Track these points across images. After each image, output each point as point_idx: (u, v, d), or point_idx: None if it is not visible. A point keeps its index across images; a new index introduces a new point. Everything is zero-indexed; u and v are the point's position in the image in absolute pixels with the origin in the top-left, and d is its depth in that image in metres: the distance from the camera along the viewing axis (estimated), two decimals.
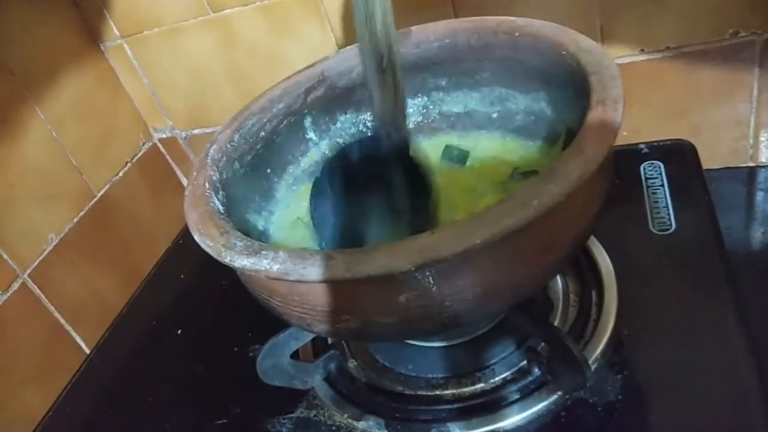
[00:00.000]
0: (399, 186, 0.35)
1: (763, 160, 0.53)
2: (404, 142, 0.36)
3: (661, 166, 0.50)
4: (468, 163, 0.43)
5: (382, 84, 0.34)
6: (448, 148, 0.44)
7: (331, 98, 0.46)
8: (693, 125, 0.52)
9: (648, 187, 0.48)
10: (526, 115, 0.42)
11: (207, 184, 0.35)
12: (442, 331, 0.39)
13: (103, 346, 0.57)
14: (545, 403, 0.36)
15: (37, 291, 0.54)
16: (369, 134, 0.39)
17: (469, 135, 0.45)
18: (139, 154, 0.68)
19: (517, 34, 0.39)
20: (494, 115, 0.44)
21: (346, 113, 0.47)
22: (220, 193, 0.36)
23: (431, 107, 0.47)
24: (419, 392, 0.39)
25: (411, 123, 0.47)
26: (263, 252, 0.29)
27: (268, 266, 0.28)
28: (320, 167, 0.39)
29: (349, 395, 0.41)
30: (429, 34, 0.43)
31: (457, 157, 0.43)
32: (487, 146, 0.44)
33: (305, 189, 0.44)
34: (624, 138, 0.53)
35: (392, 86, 0.35)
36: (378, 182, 0.35)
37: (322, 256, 0.27)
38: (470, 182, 0.41)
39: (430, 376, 0.40)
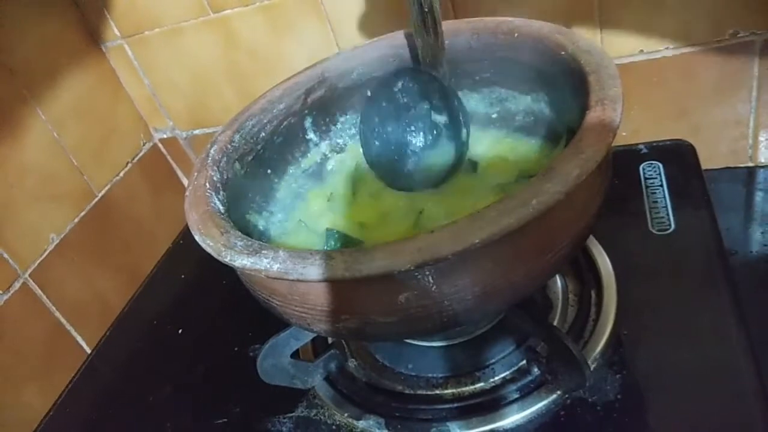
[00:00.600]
0: (437, 111, 0.38)
1: (763, 160, 0.53)
2: (443, 78, 0.40)
3: (661, 166, 0.50)
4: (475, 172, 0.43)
5: (424, 25, 0.38)
6: None
7: (331, 99, 0.46)
8: (692, 125, 0.52)
9: (647, 187, 0.48)
10: (526, 115, 0.43)
11: (207, 185, 0.36)
12: (441, 331, 0.38)
13: (103, 346, 0.57)
14: (545, 402, 0.36)
15: (38, 291, 0.54)
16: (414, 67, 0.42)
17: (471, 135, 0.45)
18: (140, 155, 0.68)
19: (516, 34, 0.39)
20: (494, 116, 0.44)
21: (346, 114, 0.47)
22: (221, 193, 0.36)
23: None
24: (419, 392, 0.39)
25: None
26: (263, 251, 0.29)
27: (268, 266, 0.28)
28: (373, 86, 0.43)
29: (349, 395, 0.41)
30: None
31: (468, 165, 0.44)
32: (489, 146, 0.44)
33: (311, 193, 0.45)
34: (623, 138, 0.53)
35: (432, 27, 0.39)
36: (418, 106, 0.38)
37: (322, 256, 0.27)
38: (472, 182, 0.41)
39: (430, 375, 0.40)
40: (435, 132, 0.38)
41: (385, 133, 0.38)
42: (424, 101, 0.38)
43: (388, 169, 0.39)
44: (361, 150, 0.45)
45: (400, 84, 0.38)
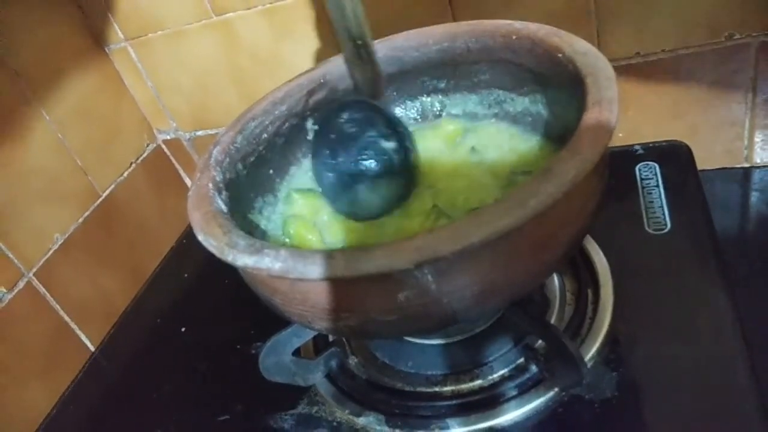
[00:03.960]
0: (385, 138, 0.39)
1: (758, 161, 0.53)
2: (384, 108, 0.41)
3: (657, 166, 0.50)
4: (474, 158, 0.43)
5: (359, 58, 0.40)
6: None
7: (332, 101, 0.46)
8: (688, 127, 0.52)
9: (643, 187, 0.48)
10: (524, 116, 0.43)
11: (210, 185, 0.36)
12: (440, 329, 0.39)
13: (107, 345, 0.57)
14: (542, 399, 0.36)
15: (43, 290, 0.54)
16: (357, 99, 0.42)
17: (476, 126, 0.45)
18: (144, 155, 0.69)
19: (514, 37, 0.39)
20: (492, 119, 0.45)
21: None
22: (223, 193, 0.36)
23: (429, 110, 0.47)
24: (419, 389, 0.40)
25: (409, 123, 0.48)
26: (265, 251, 0.29)
27: (270, 265, 0.28)
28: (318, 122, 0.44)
29: (349, 392, 0.41)
30: (428, 38, 0.44)
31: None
32: (492, 140, 0.44)
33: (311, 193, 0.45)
34: (620, 139, 0.54)
35: (368, 59, 0.40)
36: (366, 135, 0.39)
37: (323, 255, 0.27)
38: (475, 177, 0.41)
39: (430, 373, 0.40)
40: (385, 158, 0.38)
41: (336, 164, 0.39)
42: (370, 129, 0.38)
43: (342, 199, 0.40)
44: None
45: (345, 115, 0.39)
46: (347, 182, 0.39)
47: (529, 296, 0.40)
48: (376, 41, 0.46)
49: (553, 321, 0.41)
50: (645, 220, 0.46)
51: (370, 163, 0.38)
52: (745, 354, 0.35)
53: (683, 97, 0.51)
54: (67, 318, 0.56)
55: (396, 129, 0.39)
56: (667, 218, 0.45)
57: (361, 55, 0.40)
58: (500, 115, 0.44)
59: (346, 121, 0.39)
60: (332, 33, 0.56)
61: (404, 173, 0.40)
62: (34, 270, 0.54)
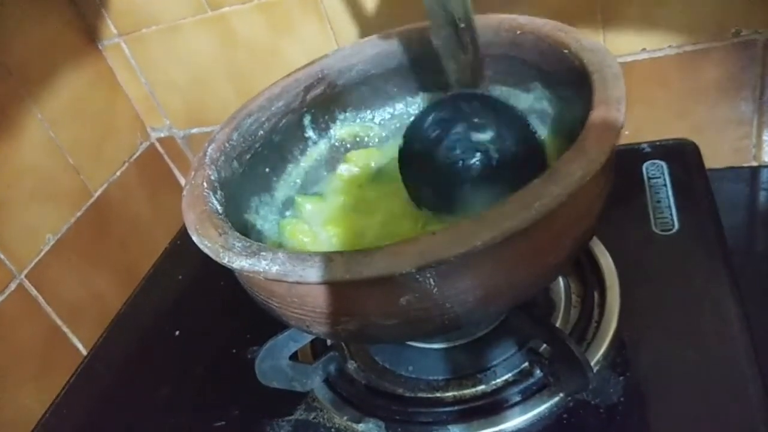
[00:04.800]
0: (477, 129, 0.34)
1: (766, 159, 0.52)
2: (482, 94, 0.36)
3: (664, 165, 0.49)
4: None
5: (461, 44, 0.34)
6: None
7: (330, 97, 0.45)
8: (695, 125, 0.52)
9: (650, 186, 0.48)
10: (529, 114, 0.42)
11: (205, 184, 0.35)
12: (442, 333, 0.38)
13: (100, 348, 0.56)
14: (547, 405, 0.36)
15: (34, 292, 0.54)
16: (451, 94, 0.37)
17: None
18: (137, 154, 0.68)
19: (518, 32, 0.39)
20: None
21: (345, 112, 0.47)
22: (219, 192, 0.36)
23: None
24: (419, 394, 0.39)
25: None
26: (262, 253, 0.28)
27: (266, 267, 0.28)
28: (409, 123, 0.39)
29: (348, 397, 0.41)
30: (429, 33, 0.43)
31: None
32: None
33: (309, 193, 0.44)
34: (626, 137, 0.53)
35: (471, 43, 0.35)
36: (451, 134, 0.35)
37: (322, 258, 0.27)
38: None
39: (431, 378, 0.40)
40: (480, 152, 0.34)
41: (428, 177, 0.35)
42: (457, 125, 0.34)
43: (456, 212, 0.36)
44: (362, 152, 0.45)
45: (429, 119, 0.35)
46: (447, 192, 0.35)
47: (534, 299, 0.40)
48: (375, 36, 0.45)
49: (558, 324, 0.40)
50: (652, 220, 0.45)
51: (462, 164, 0.34)
52: (753, 357, 0.35)
53: (690, 95, 0.51)
54: (58, 321, 0.55)
55: (494, 114, 0.34)
56: (675, 218, 0.45)
57: (461, 40, 0.34)
58: None
59: (429, 126, 0.35)
60: (331, 28, 0.56)
61: (517, 160, 0.34)
62: (26, 271, 0.53)
